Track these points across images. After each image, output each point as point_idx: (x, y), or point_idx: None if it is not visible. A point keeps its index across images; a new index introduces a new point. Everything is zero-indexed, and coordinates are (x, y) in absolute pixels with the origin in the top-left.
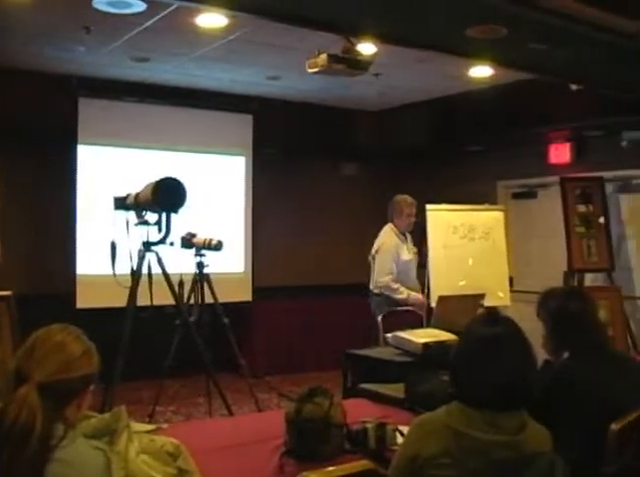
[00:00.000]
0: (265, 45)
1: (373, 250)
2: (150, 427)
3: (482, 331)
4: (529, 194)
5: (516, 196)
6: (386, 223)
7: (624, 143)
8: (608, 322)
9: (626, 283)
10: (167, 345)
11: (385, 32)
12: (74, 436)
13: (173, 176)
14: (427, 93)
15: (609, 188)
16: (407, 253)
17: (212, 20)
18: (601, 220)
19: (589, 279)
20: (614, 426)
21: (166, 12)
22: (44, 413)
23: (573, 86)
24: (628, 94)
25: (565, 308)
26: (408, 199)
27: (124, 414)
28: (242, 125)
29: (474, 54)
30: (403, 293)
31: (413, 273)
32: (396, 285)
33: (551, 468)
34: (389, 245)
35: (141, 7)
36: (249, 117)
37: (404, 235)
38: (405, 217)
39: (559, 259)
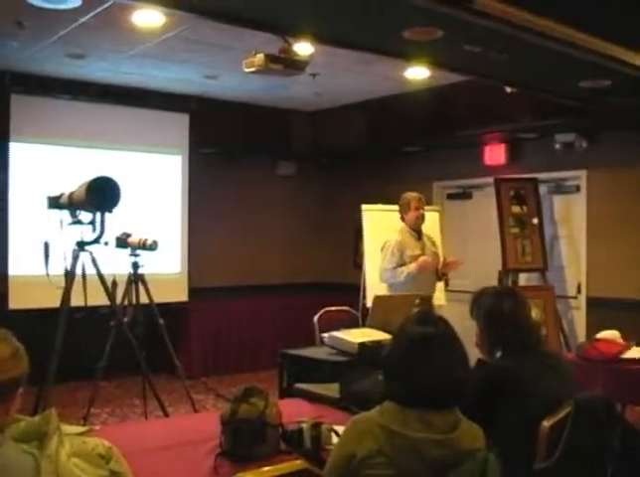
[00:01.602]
0: (203, 44)
1: None
2: (82, 429)
3: (414, 331)
4: (464, 195)
5: (451, 196)
6: (325, 222)
7: (557, 146)
8: (542, 321)
9: (559, 283)
10: (101, 346)
11: (322, 33)
12: (2, 440)
13: (107, 175)
14: (364, 94)
15: (543, 189)
16: (417, 249)
17: (148, 18)
18: (535, 220)
19: (523, 279)
20: (545, 424)
21: (102, 8)
22: None
23: (508, 89)
24: (561, 98)
25: (498, 307)
26: (414, 193)
27: (55, 417)
28: (179, 124)
29: (411, 55)
30: (404, 271)
31: (424, 273)
32: (391, 270)
33: (484, 465)
34: (390, 243)
35: (76, 3)
36: (186, 116)
37: (419, 233)
38: (414, 210)
39: (493, 259)
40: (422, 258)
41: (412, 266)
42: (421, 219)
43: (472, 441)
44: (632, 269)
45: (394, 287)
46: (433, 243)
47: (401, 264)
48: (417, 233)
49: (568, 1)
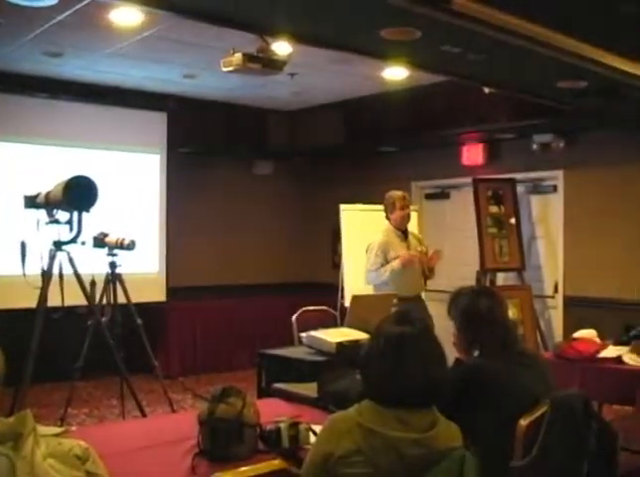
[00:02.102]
0: (181, 43)
1: None
2: (58, 430)
3: (391, 330)
4: (442, 195)
5: (429, 196)
6: (302, 222)
7: (535, 146)
8: (519, 320)
9: (536, 282)
10: (79, 346)
11: (300, 32)
12: None
13: (85, 174)
14: (342, 94)
15: (520, 189)
16: (402, 249)
17: (126, 16)
18: (512, 220)
19: (501, 279)
20: (522, 422)
21: (79, 6)
22: None
23: (486, 89)
24: (539, 98)
25: (475, 307)
26: (398, 192)
27: (30, 418)
28: (157, 123)
29: (388, 55)
30: (387, 269)
31: (410, 270)
32: (375, 271)
33: (461, 464)
34: (373, 244)
35: (53, 1)
36: (164, 115)
37: (405, 232)
38: (399, 210)
39: (471, 259)
40: (405, 253)
41: (396, 263)
42: (407, 218)
43: (450, 440)
44: (609, 269)
45: (379, 288)
46: (420, 242)
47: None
48: (403, 232)
49: (546, 2)
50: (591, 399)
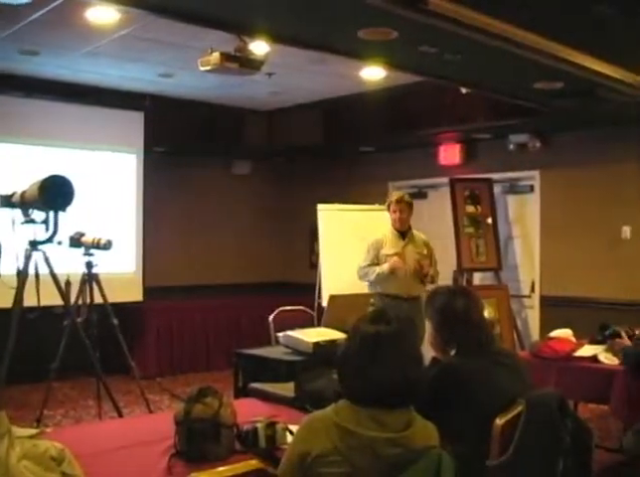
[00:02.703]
0: (158, 42)
1: None
2: (33, 432)
3: (366, 330)
4: (419, 194)
5: None
6: (280, 221)
7: (511, 146)
8: (496, 320)
9: (513, 282)
10: (55, 346)
11: (277, 32)
12: None
13: (61, 173)
14: (320, 94)
15: (497, 189)
16: (395, 248)
17: (103, 15)
18: (489, 220)
19: (478, 278)
20: (498, 421)
21: (55, 4)
22: None
23: (463, 90)
24: (515, 99)
25: (451, 306)
26: (396, 195)
27: (5, 419)
28: (134, 123)
29: (366, 55)
30: (375, 271)
31: (396, 275)
32: (365, 269)
33: (438, 463)
34: (369, 242)
35: None
36: (141, 115)
37: (404, 233)
38: (392, 213)
39: (448, 259)
40: (395, 259)
41: (385, 267)
42: (399, 222)
43: (426, 439)
44: (585, 268)
45: (372, 286)
46: (425, 245)
47: (377, 263)
48: (401, 233)
49: (523, 4)
50: (567, 398)
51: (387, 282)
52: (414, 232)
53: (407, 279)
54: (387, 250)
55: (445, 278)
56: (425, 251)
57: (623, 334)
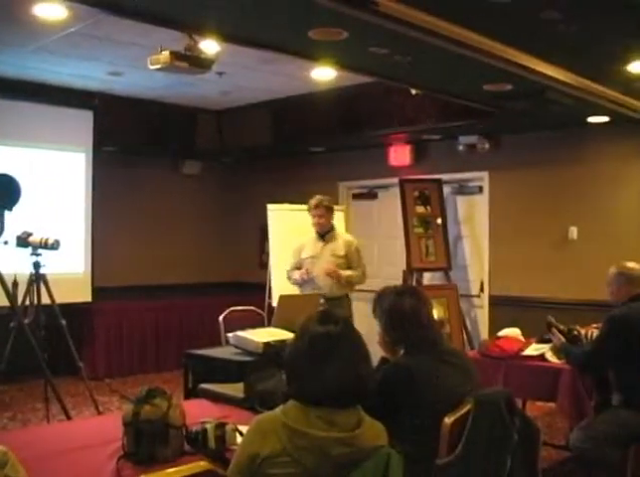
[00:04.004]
0: (107, 39)
1: None
2: None
3: (315, 330)
4: (369, 195)
5: (356, 196)
6: (230, 221)
7: (460, 147)
8: (445, 319)
9: (462, 282)
10: (1, 348)
11: (228, 31)
12: None
13: (7, 172)
14: (270, 94)
15: (447, 190)
16: (312, 251)
17: (50, 11)
18: (439, 220)
19: (427, 278)
20: (447, 420)
21: None
22: None
23: (413, 91)
24: (465, 100)
25: (399, 306)
26: (313, 200)
27: None
28: (83, 121)
29: (316, 56)
30: (291, 277)
31: (316, 272)
32: (289, 273)
33: (387, 461)
34: (295, 245)
35: None
36: (90, 113)
37: (323, 236)
38: (311, 217)
39: (398, 259)
40: (302, 272)
41: (296, 276)
42: (318, 226)
43: (375, 439)
44: (533, 268)
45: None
46: (347, 247)
47: (299, 266)
48: (321, 235)
49: (473, 6)
50: (515, 397)
51: (308, 284)
52: (338, 233)
53: (324, 281)
54: (305, 254)
55: (395, 278)
56: (343, 253)
57: (555, 330)
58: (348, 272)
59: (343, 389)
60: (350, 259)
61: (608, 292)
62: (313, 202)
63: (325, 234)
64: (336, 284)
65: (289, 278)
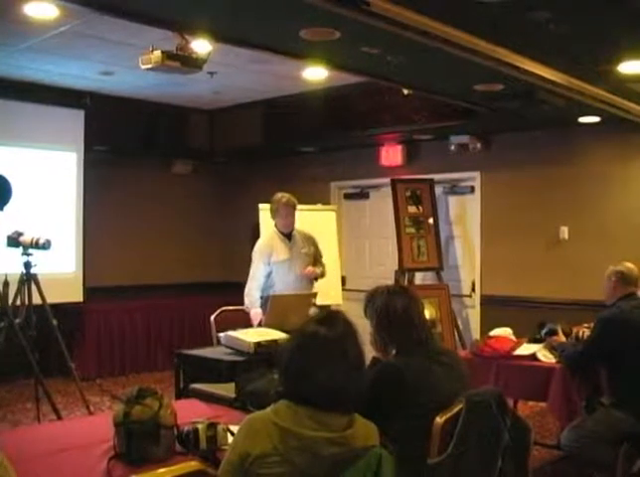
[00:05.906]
0: (98, 39)
1: None
2: None
3: (310, 330)
4: (361, 195)
5: (348, 196)
6: (222, 221)
7: (452, 147)
8: (437, 319)
9: (454, 282)
10: None
11: (219, 31)
12: None
13: None
14: (262, 94)
15: (438, 190)
16: (285, 253)
17: (41, 10)
18: (431, 220)
19: (419, 278)
20: (438, 419)
21: None
22: None
23: (405, 91)
24: (456, 100)
25: (391, 306)
26: (283, 198)
27: None
28: (74, 121)
29: (308, 55)
30: (250, 310)
31: (293, 274)
32: (248, 299)
33: (378, 462)
34: (258, 247)
35: None
36: (81, 113)
37: (289, 235)
38: (283, 218)
39: (390, 259)
40: (256, 319)
41: (252, 312)
42: (285, 226)
43: (366, 439)
44: (524, 268)
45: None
46: (310, 242)
47: (269, 272)
48: (286, 235)
49: (464, 6)
50: (507, 396)
51: (281, 285)
52: (296, 229)
53: (301, 283)
54: (276, 257)
55: (387, 278)
56: (312, 250)
57: (560, 331)
58: (320, 269)
59: (333, 389)
60: (315, 254)
61: (604, 288)
62: (284, 200)
63: (289, 233)
64: (307, 284)
65: (247, 296)
